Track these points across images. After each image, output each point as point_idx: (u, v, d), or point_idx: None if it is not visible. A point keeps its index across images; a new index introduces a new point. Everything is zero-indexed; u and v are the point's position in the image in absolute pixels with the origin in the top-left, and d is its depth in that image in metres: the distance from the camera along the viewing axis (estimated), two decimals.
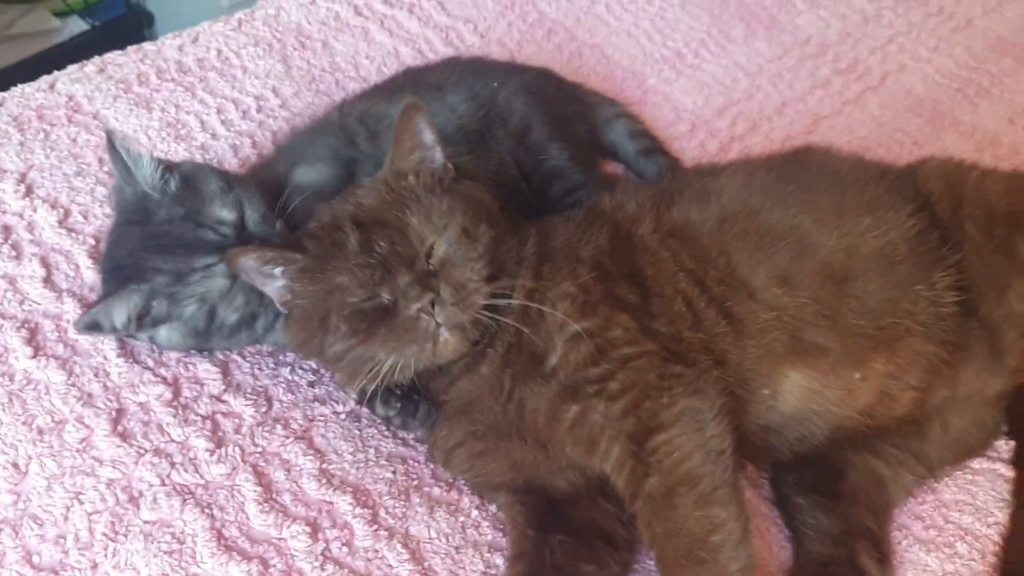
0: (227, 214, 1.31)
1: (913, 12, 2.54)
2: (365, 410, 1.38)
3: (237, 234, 1.30)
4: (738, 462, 1.28)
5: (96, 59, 1.94)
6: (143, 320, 1.31)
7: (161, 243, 1.28)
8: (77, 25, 3.36)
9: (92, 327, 1.29)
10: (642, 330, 1.23)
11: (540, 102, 1.65)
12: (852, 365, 1.27)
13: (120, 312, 1.29)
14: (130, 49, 1.98)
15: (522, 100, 1.62)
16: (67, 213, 1.56)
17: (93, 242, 1.51)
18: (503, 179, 1.54)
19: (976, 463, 1.42)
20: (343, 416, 1.37)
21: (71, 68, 1.91)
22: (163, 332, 1.33)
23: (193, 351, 1.40)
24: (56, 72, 1.89)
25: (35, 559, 1.13)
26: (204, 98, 1.86)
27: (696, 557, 1.08)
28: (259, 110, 1.85)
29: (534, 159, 1.60)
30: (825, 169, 1.43)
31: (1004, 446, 1.44)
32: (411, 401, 1.30)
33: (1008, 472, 1.40)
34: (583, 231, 1.34)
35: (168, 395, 1.33)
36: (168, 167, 1.33)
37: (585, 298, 1.24)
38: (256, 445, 1.29)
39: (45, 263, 1.47)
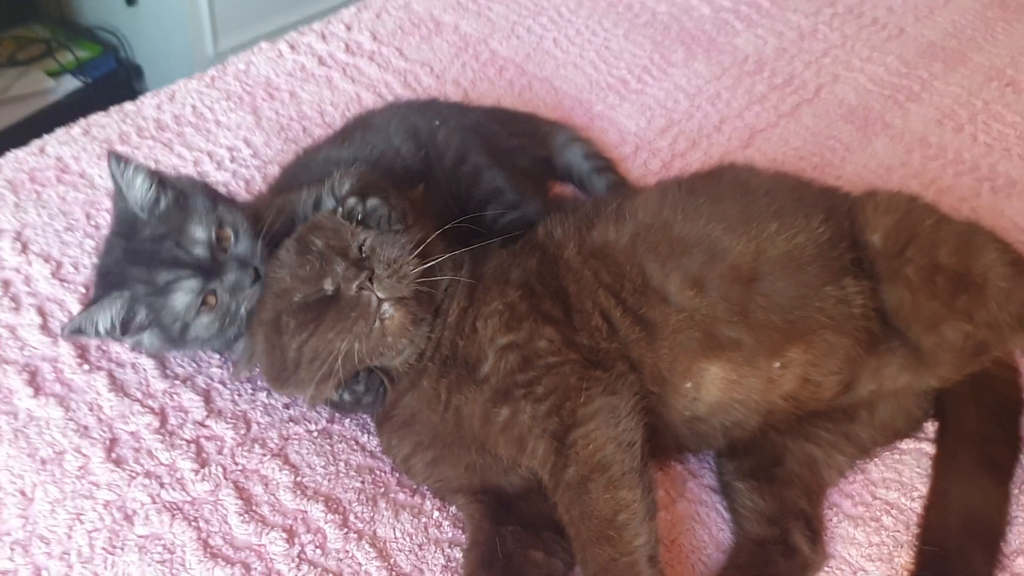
0: (201, 233, 1.37)
1: (848, 25, 2.70)
2: (336, 427, 1.53)
3: (211, 254, 1.37)
4: (665, 452, 1.46)
5: (82, 121, 2.09)
6: (128, 325, 1.39)
7: (140, 257, 1.37)
8: (71, 83, 3.53)
9: (76, 332, 1.38)
10: (565, 341, 1.38)
11: (477, 136, 1.77)
12: (769, 355, 1.40)
13: (104, 317, 1.37)
14: (112, 110, 2.13)
15: (458, 136, 1.74)
16: (59, 265, 1.71)
17: (83, 290, 1.66)
18: (445, 215, 1.63)
19: (904, 444, 1.55)
20: (315, 434, 1.51)
21: (59, 132, 2.06)
22: (146, 337, 1.42)
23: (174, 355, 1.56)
24: (46, 136, 2.04)
25: (44, 574, 1.28)
26: (181, 152, 2.02)
27: (605, 535, 1.23)
28: (232, 160, 2.01)
29: (469, 186, 1.69)
30: (736, 182, 1.56)
31: (930, 426, 1.57)
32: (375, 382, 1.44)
33: (931, 449, 1.54)
34: (514, 257, 1.49)
35: (156, 424, 1.47)
36: (163, 184, 1.41)
37: (511, 314, 1.40)
38: (237, 463, 1.44)
39: (41, 312, 1.62)
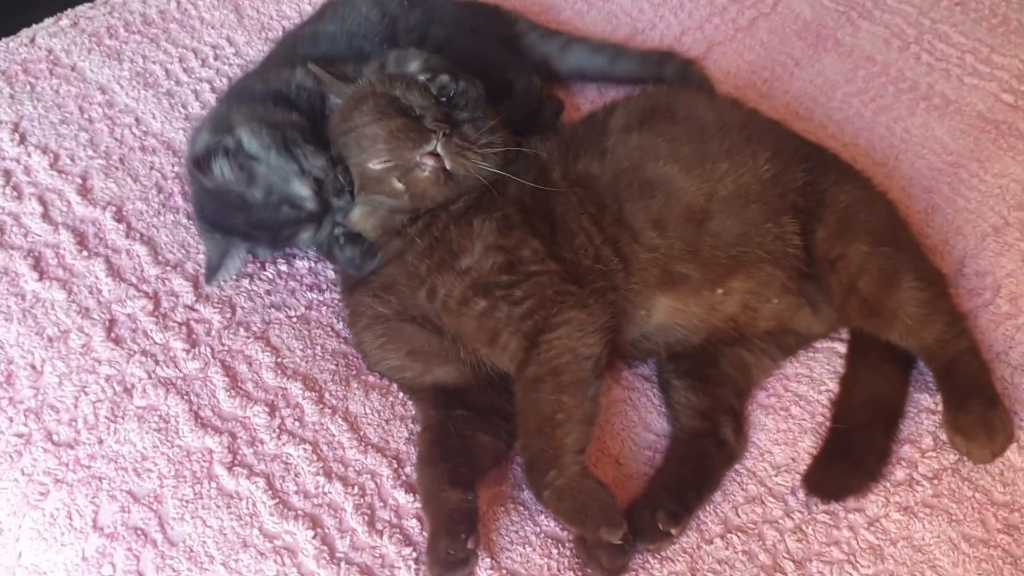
0: (304, 190, 1.56)
1: None
2: (314, 314, 1.69)
3: (319, 201, 1.57)
4: (613, 364, 1.62)
5: (70, 12, 2.19)
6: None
7: (263, 224, 1.59)
8: None
9: (214, 279, 1.65)
10: (548, 253, 1.53)
11: (449, 18, 1.94)
12: (713, 285, 1.57)
13: (234, 266, 1.65)
14: (98, 1, 2.23)
15: (421, 13, 1.92)
16: (56, 157, 1.84)
17: (80, 181, 1.80)
18: None
19: (819, 343, 1.73)
20: (295, 319, 1.67)
21: (48, 22, 2.15)
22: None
23: None
24: (35, 25, 2.15)
25: (55, 437, 1.45)
26: (167, 48, 2.12)
27: (542, 431, 1.40)
28: (216, 58, 2.12)
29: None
30: (691, 118, 1.68)
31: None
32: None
33: (842, 348, 1.72)
34: (515, 170, 1.61)
35: (150, 307, 1.63)
36: (243, 156, 1.57)
37: (506, 222, 1.54)
38: (223, 344, 1.60)
39: (42, 201, 1.76)
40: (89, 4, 2.23)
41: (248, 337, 1.62)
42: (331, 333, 1.67)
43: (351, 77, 1.66)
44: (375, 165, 1.51)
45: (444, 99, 1.59)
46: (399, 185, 1.51)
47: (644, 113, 1.71)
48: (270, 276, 1.73)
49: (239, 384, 1.55)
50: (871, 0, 2.55)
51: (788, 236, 1.60)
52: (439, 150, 1.48)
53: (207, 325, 1.63)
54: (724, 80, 2.26)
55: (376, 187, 1.54)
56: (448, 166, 1.49)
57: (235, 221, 1.59)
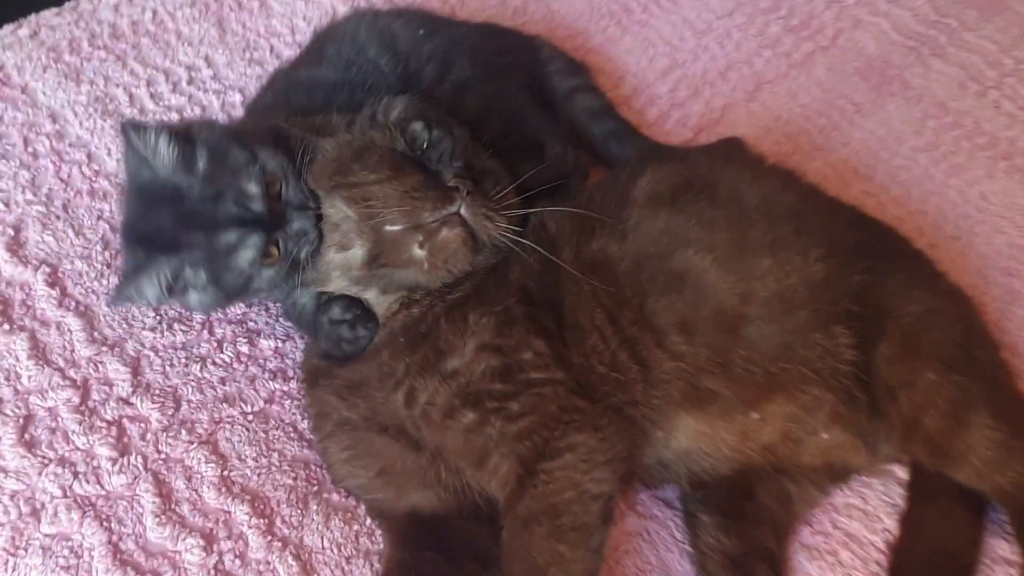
0: (254, 187, 1.28)
1: None
2: (275, 409, 1.42)
3: (267, 205, 1.29)
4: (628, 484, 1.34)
5: (32, 19, 1.93)
6: (173, 288, 1.31)
7: (197, 221, 1.28)
8: None
9: (125, 301, 1.35)
10: (554, 357, 1.26)
11: (466, 49, 1.63)
12: (747, 407, 1.30)
13: (151, 285, 1.29)
14: (67, 7, 1.97)
15: (442, 45, 1.62)
16: None
17: (12, 232, 1.54)
18: None
19: None
20: (251, 417, 1.41)
21: (6, 30, 1.90)
22: (194, 297, 1.33)
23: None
24: None
25: None
26: (135, 68, 1.86)
27: None
28: (190, 81, 1.85)
29: (453, 106, 1.55)
30: (733, 199, 1.40)
31: None
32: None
33: (903, 474, 1.43)
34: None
35: (76, 400, 1.37)
36: (187, 141, 1.29)
37: (506, 316, 1.27)
38: (159, 452, 1.34)
39: None
40: (55, 10, 1.96)
41: (191, 442, 1.36)
42: (292, 435, 1.41)
43: (332, 129, 1.38)
44: (391, 227, 1.25)
45: (418, 152, 1.34)
46: (419, 252, 1.26)
47: (677, 186, 1.42)
48: (226, 359, 1.47)
49: (173, 506, 1.29)
50: (945, 35, 2.23)
51: (840, 351, 1.32)
52: (463, 211, 1.25)
53: (142, 425, 1.37)
54: (773, 127, 1.96)
55: (392, 255, 1.27)
56: (472, 226, 1.26)
57: (164, 222, 1.28)
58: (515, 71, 1.70)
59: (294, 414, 1.42)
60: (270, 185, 1.30)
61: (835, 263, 1.34)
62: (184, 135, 1.29)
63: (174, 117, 1.77)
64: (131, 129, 1.28)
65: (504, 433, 1.20)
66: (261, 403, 1.43)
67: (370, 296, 1.33)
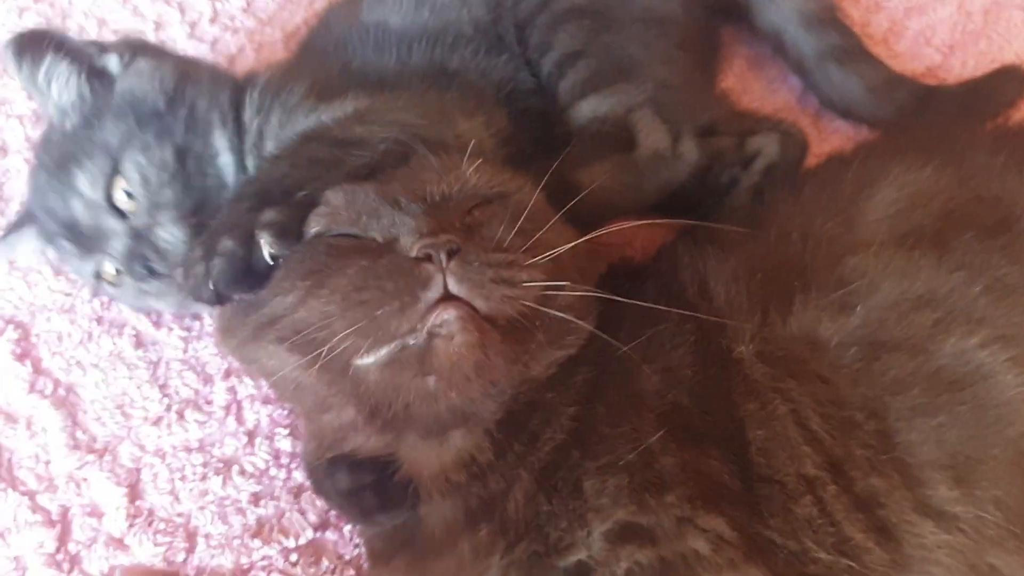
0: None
1: None
2: (329, 538, 1.00)
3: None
4: None
5: None
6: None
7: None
8: None
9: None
10: (744, 542, 0.75)
11: None
12: None
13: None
14: None
15: None
16: None
17: None
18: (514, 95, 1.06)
19: None
20: (295, 557, 0.98)
21: None
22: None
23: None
24: None
25: None
26: (138, 5, 1.36)
27: None
28: (213, 20, 1.36)
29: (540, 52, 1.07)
30: None
31: None
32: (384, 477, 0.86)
33: None
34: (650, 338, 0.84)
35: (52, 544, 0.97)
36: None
37: (647, 472, 0.76)
38: None
39: None
40: None
41: None
42: None
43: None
44: (364, 361, 0.74)
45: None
46: (429, 381, 0.75)
47: (946, 211, 0.87)
48: (260, 464, 1.04)
49: None
50: None
51: None
52: (452, 287, 0.72)
53: None
54: None
55: (391, 399, 0.76)
56: (483, 307, 0.72)
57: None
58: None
59: (356, 547, 0.99)
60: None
61: None
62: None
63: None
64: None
65: None
66: (310, 532, 0.99)
67: (399, 454, 0.83)
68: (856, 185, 0.92)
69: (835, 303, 0.82)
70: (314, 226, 0.81)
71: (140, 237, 0.92)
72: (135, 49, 0.99)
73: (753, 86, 1.25)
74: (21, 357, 1.08)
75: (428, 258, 0.72)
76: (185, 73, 0.98)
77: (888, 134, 1.15)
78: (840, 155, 1.05)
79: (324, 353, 0.73)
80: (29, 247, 1.03)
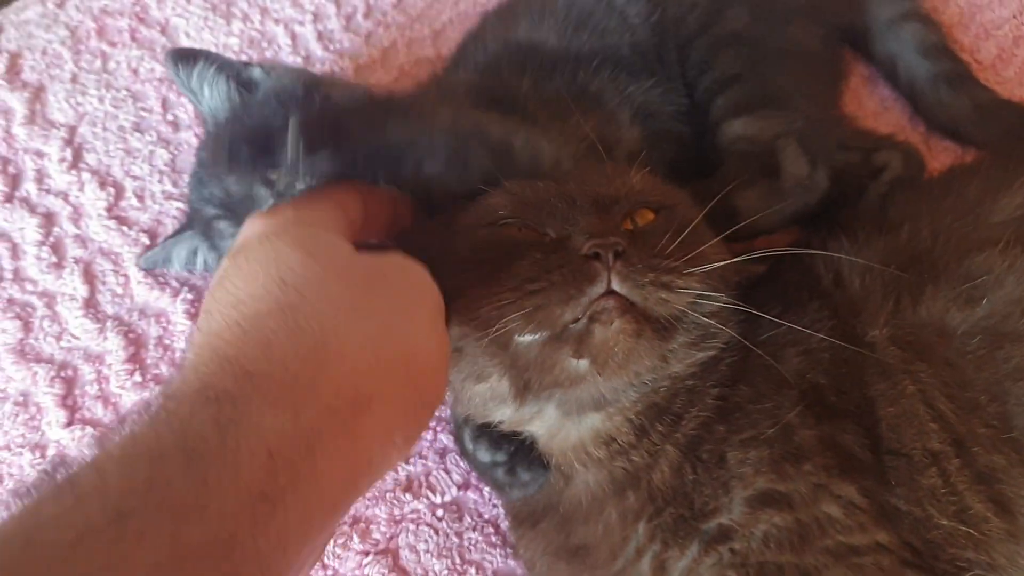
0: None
1: None
2: (471, 497, 1.08)
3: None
4: None
5: None
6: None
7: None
8: None
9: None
10: (874, 509, 0.83)
11: None
12: None
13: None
14: None
15: None
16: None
17: (147, 240, 1.22)
18: (652, 118, 1.12)
19: None
20: (440, 512, 1.07)
21: None
22: None
23: None
24: None
25: None
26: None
27: None
28: (367, 15, 1.44)
29: (699, 71, 1.14)
30: None
31: None
32: (522, 451, 0.96)
33: None
34: (792, 314, 0.92)
35: None
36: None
37: (786, 444, 0.85)
38: (325, 567, 1.03)
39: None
40: None
41: (365, 552, 1.05)
42: (495, 539, 1.06)
43: None
44: (522, 338, 0.82)
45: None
46: (580, 365, 0.82)
47: None
48: None
49: None
50: None
51: None
52: (615, 285, 0.78)
53: None
54: None
55: (544, 375, 0.84)
56: (640, 305, 0.80)
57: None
58: (814, 14, 1.21)
59: (495, 507, 1.07)
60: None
61: None
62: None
63: (347, 66, 1.38)
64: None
65: None
66: (454, 490, 1.08)
67: (537, 429, 0.92)
68: (982, 190, 1.00)
69: (963, 295, 0.90)
70: (500, 210, 0.90)
71: (282, 196, 1.01)
72: (276, 66, 1.09)
73: (867, 104, 1.33)
74: (195, 317, 1.18)
75: (596, 256, 0.79)
76: (317, 76, 1.09)
77: (997, 154, 1.22)
78: (964, 165, 1.14)
79: (495, 330, 0.81)
80: (183, 251, 1.11)
